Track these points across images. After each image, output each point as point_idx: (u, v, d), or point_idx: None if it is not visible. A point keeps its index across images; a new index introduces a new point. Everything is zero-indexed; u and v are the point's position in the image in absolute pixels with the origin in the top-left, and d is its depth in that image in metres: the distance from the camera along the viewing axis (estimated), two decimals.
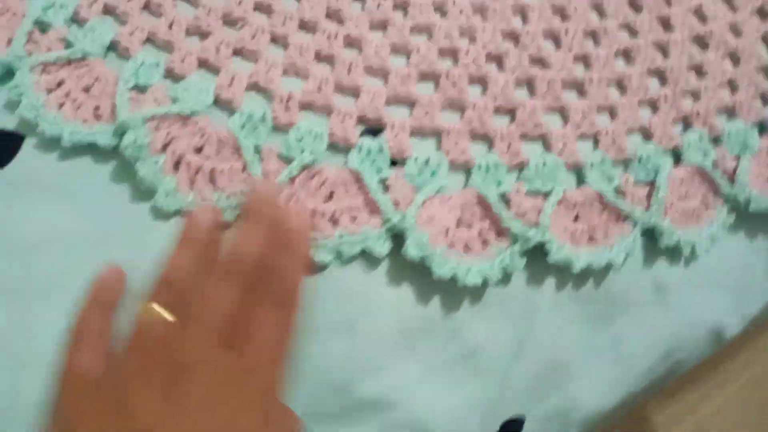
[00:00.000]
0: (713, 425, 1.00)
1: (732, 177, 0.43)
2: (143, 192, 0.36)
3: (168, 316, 0.28)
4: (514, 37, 0.43)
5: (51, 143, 0.36)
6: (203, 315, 0.28)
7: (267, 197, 0.32)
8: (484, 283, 0.37)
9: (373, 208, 0.37)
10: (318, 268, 0.36)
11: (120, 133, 0.36)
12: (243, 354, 0.28)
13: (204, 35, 0.40)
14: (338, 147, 0.38)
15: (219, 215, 0.32)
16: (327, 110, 0.39)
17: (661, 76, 0.45)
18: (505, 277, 0.38)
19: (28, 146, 0.36)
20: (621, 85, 0.44)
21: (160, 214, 0.36)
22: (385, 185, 0.37)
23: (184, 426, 0.26)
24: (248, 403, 0.28)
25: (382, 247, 0.36)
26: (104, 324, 0.29)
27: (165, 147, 0.36)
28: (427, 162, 0.38)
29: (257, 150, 0.37)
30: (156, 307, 0.28)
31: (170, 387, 0.27)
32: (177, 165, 0.36)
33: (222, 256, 0.30)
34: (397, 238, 0.37)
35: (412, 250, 0.36)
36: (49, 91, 0.37)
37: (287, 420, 0.32)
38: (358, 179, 0.37)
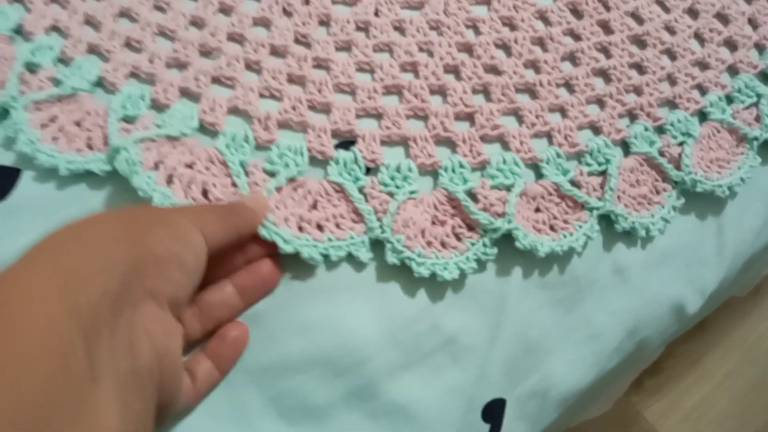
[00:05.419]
0: (701, 414, 1.04)
1: (677, 163, 0.45)
2: None
3: None
4: (468, 48, 0.46)
5: (48, 175, 0.37)
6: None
7: None
8: (462, 275, 0.38)
9: (356, 216, 0.38)
10: (308, 267, 0.37)
11: (113, 158, 0.37)
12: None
13: (183, 66, 0.42)
14: (316, 160, 0.39)
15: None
16: (303, 127, 0.40)
17: (605, 75, 0.47)
18: (478, 268, 0.39)
19: (26, 179, 0.37)
20: (569, 86, 0.46)
21: None
22: (363, 194, 0.39)
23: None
24: None
25: (365, 255, 0.37)
26: None
27: (157, 165, 0.37)
28: (398, 168, 0.40)
29: (243, 165, 0.38)
30: None
31: None
32: (170, 180, 0.37)
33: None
34: (380, 242, 0.38)
35: (390, 256, 0.37)
36: (44, 126, 0.38)
37: None
38: (338, 190, 0.38)
